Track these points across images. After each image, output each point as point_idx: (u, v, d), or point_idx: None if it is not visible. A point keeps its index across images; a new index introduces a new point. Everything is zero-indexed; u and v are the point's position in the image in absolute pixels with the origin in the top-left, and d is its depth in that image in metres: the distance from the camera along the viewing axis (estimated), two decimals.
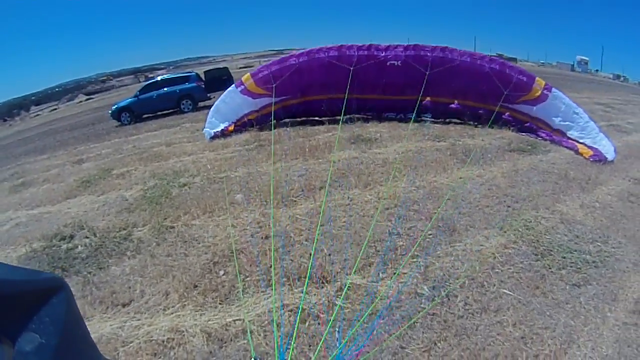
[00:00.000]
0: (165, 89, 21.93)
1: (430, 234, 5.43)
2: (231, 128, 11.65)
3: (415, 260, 4.80)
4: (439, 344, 3.55)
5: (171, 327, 3.96)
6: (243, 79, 11.45)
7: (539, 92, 10.25)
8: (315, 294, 4.25)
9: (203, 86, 22.52)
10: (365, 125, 11.68)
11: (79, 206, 8.09)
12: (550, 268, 4.87)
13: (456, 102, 11.30)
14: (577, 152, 9.68)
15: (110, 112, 22.60)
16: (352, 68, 10.75)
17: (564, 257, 5.13)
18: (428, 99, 11.04)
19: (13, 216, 8.42)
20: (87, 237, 6.33)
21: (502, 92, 10.30)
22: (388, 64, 10.91)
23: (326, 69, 11.05)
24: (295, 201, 6.60)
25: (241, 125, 11.74)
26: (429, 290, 4.27)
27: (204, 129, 11.90)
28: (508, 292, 4.34)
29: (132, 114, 21.60)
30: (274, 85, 11.01)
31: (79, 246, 6.06)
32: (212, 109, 12.03)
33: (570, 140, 10.08)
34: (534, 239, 5.58)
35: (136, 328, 4.03)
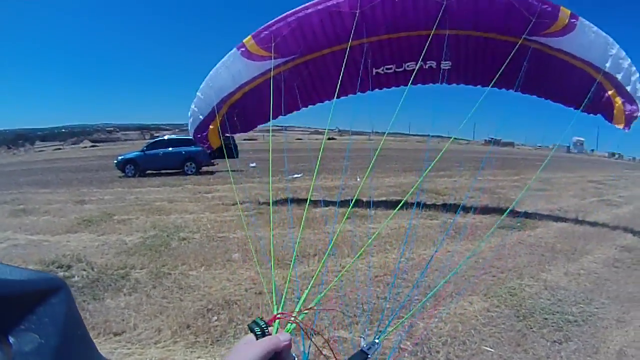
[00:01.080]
0: (171, 148, 22.51)
1: (416, 299, 5.57)
2: (212, 139, 10.97)
3: (400, 320, 4.86)
4: None
5: (161, 359, 4.11)
6: (244, 40, 9.79)
7: (566, 20, 8.76)
8: (301, 345, 4.35)
9: (208, 151, 22.72)
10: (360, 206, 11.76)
11: (78, 241, 8.30)
12: (531, 327, 5.05)
13: (479, 33, 9.31)
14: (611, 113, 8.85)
15: (115, 162, 22.88)
16: (357, 11, 8.76)
17: (546, 318, 5.31)
18: (448, 32, 8.89)
19: (12, 237, 8.61)
20: (84, 270, 6.53)
21: (527, 21, 8.61)
22: None
23: (331, 16, 9.25)
24: (289, 264, 6.66)
25: (229, 121, 10.06)
26: (412, 346, 4.42)
27: (192, 105, 10.58)
28: (489, 349, 4.51)
29: (137, 168, 21.92)
30: (276, 42, 9.34)
31: (76, 276, 6.27)
32: (210, 73, 10.35)
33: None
34: (517, 303, 5.78)
35: (126, 355, 4.19)
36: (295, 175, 18.54)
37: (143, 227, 9.40)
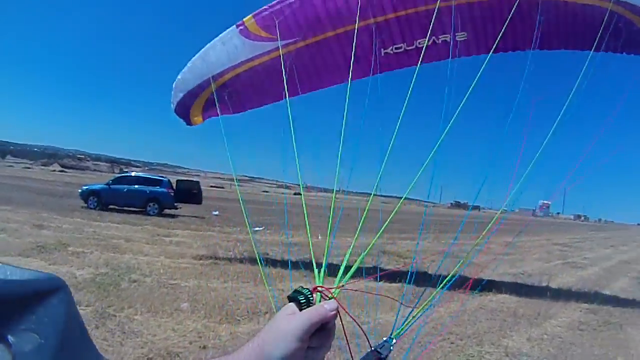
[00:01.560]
0: (137, 186, 22.23)
1: None
2: (194, 116, 9.92)
3: None
4: None
5: None
6: (245, 19, 8.74)
7: None
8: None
9: (172, 194, 22.84)
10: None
11: (28, 267, 8.00)
12: None
13: None
14: None
15: (80, 191, 22.51)
16: None
17: None
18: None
19: None
20: None
21: None
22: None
23: None
24: (239, 320, 6.63)
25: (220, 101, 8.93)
26: None
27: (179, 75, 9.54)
28: None
29: (100, 201, 21.59)
30: (276, 22, 8.17)
31: None
32: (205, 47, 9.37)
33: None
34: None
35: None
36: (257, 229, 18.44)
37: (96, 262, 9.17)
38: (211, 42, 9.20)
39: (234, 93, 9.29)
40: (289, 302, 1.02)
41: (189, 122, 10.25)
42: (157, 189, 22.15)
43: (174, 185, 23.85)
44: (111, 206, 21.83)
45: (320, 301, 1.06)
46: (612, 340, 7.50)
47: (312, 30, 8.61)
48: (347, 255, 1.66)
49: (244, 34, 8.71)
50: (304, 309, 0.98)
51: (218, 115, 9.17)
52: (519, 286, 10.96)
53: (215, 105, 8.93)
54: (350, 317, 1.20)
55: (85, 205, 21.47)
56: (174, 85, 9.54)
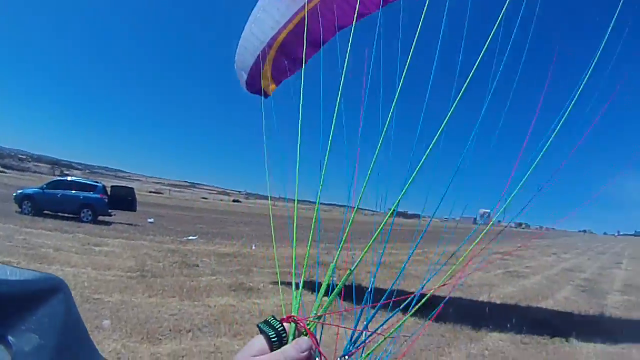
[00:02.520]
0: (72, 191, 21.33)
1: None
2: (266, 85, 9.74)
3: None
4: None
5: None
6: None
7: None
8: None
9: (106, 200, 22.09)
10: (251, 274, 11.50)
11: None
12: None
13: None
14: None
15: (14, 194, 21.43)
16: None
17: None
18: None
19: None
20: None
21: None
22: None
23: None
24: (160, 339, 6.40)
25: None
26: None
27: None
28: None
29: (34, 205, 20.62)
30: None
31: None
32: (248, 21, 8.96)
33: None
34: None
35: None
36: (190, 238, 18.13)
37: None
38: (252, 14, 8.78)
39: (293, 49, 9.03)
40: (259, 332, 0.88)
41: (265, 95, 10.07)
42: (91, 195, 21.36)
43: (109, 191, 23.12)
44: (46, 211, 20.80)
45: (294, 333, 0.92)
46: (558, 354, 7.42)
47: None
48: (328, 277, 1.45)
49: None
50: (275, 347, 0.86)
51: (288, 76, 9.06)
52: (457, 299, 10.58)
53: (283, 67, 8.53)
54: (323, 357, 0.99)
55: (20, 210, 20.45)
56: (235, 68, 9.34)
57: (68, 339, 0.82)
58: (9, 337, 0.72)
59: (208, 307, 8.13)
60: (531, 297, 11.23)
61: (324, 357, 1.01)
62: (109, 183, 25.31)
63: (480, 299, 10.89)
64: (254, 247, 16.37)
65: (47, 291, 0.80)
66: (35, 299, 0.77)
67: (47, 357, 0.75)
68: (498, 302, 10.71)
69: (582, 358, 7.37)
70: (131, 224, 21.58)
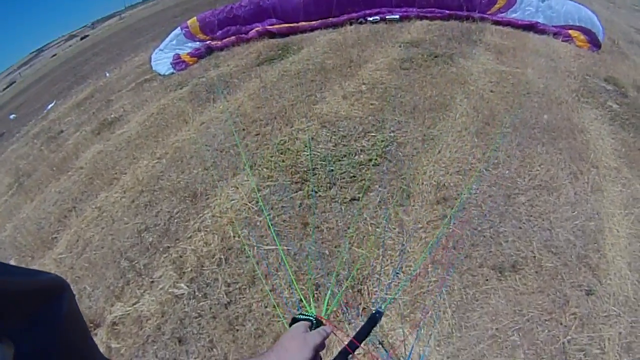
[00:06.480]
0: None
1: (177, 212, 4.78)
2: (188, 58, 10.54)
3: (167, 254, 4.24)
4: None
5: None
6: (189, 22, 10.57)
7: None
8: None
9: None
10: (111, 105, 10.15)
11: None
12: (317, 193, 4.36)
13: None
14: (571, 40, 8.66)
15: None
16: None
17: (332, 170, 4.61)
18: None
19: None
20: None
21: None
22: None
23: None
24: (55, 237, 5.62)
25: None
26: (186, 287, 3.81)
27: (153, 64, 10.84)
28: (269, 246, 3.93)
29: None
30: (217, 34, 10.53)
31: None
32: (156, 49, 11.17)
33: (562, 30, 8.86)
34: (291, 163, 4.86)
35: None
36: (49, 107, 15.86)
37: None
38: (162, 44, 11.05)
39: None
40: (294, 322, 1.27)
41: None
42: None
43: None
44: None
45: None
46: (444, 76, 6.60)
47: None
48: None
49: (188, 36, 10.63)
50: (313, 329, 1.24)
51: None
52: (325, 35, 9.51)
53: None
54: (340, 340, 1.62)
55: None
56: None
57: (70, 338, 0.80)
58: (10, 337, 0.68)
59: (80, 170, 7.19)
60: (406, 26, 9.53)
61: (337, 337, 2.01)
62: None
63: (349, 30, 9.66)
64: (107, 75, 14.52)
65: (49, 290, 0.78)
66: (36, 299, 0.74)
67: (48, 357, 0.74)
68: (368, 27, 9.57)
69: (473, 79, 6.61)
70: None
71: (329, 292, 2.02)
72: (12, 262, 5.67)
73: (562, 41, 8.62)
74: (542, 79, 6.71)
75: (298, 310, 1.91)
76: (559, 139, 5.11)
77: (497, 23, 9.31)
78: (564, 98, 6.18)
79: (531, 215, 4.00)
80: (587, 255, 3.63)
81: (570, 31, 8.70)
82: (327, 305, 1.54)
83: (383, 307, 2.14)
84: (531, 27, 9.06)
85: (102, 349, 3.06)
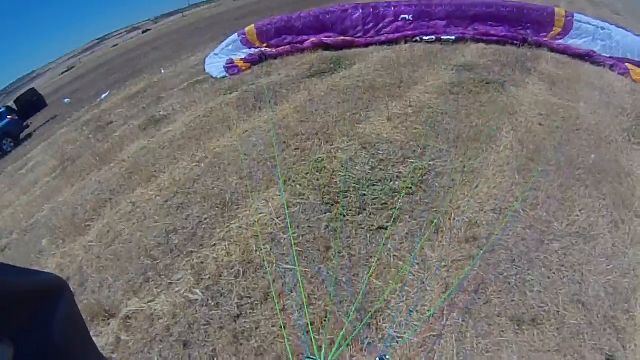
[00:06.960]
0: None
1: (206, 219, 4.84)
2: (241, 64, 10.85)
3: (189, 259, 4.31)
4: None
5: None
6: (247, 29, 10.95)
7: (563, 21, 9.17)
8: None
9: (17, 117, 19.63)
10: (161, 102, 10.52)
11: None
12: (346, 217, 4.31)
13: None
14: (628, 73, 8.35)
15: None
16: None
17: (364, 195, 4.57)
18: None
19: None
20: None
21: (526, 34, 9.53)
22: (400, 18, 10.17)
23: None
24: (88, 225, 5.78)
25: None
26: (201, 293, 3.82)
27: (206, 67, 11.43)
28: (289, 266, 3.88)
29: None
30: (273, 41, 10.87)
31: None
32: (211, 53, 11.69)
33: (619, 63, 8.63)
34: (325, 183, 4.82)
35: None
36: (103, 96, 16.45)
37: None
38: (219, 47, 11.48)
39: None
40: None
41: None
42: (2, 122, 18.59)
43: (16, 107, 20.93)
44: None
45: None
46: (493, 105, 6.49)
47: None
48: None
49: (244, 43, 10.96)
50: None
51: None
52: (377, 51, 9.58)
53: None
54: None
55: None
56: None
57: (70, 338, 0.80)
58: (10, 337, 0.69)
59: (122, 163, 7.43)
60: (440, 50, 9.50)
61: None
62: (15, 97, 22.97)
63: (401, 49, 9.79)
64: (162, 72, 15.17)
65: (49, 291, 0.79)
66: (36, 299, 0.75)
67: (48, 357, 0.73)
68: (422, 47, 9.60)
69: (521, 108, 6.51)
70: (52, 118, 19.66)
71: (341, 335, 2.10)
72: (44, 243, 6.05)
73: (619, 74, 8.36)
74: (594, 115, 6.43)
75: (303, 334, 1.94)
76: (604, 182, 4.81)
77: (553, 50, 9.17)
78: (614, 137, 5.86)
79: (562, 265, 3.77)
80: (615, 316, 3.38)
81: (627, 64, 8.42)
82: (336, 349, 1.55)
83: (388, 356, 2.06)
84: (587, 56, 8.87)
85: (111, 339, 3.19)
